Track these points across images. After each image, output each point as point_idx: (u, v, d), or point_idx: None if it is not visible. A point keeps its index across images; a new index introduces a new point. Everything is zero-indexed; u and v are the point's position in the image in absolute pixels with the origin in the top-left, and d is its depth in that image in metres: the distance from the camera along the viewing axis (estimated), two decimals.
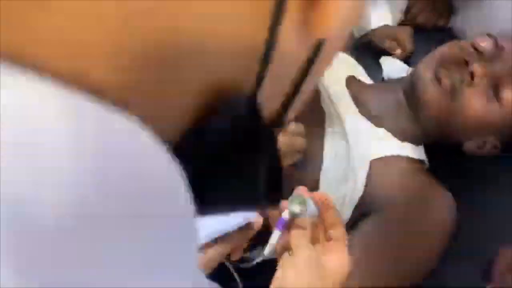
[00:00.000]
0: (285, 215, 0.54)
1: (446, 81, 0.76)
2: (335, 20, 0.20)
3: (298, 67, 0.22)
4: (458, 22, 1.16)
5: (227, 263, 0.70)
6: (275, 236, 0.56)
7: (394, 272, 0.71)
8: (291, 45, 0.21)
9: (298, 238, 0.52)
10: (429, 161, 0.84)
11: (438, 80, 0.77)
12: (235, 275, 0.71)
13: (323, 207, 0.55)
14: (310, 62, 0.22)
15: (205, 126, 0.20)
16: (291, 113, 0.24)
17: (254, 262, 0.66)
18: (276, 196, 0.26)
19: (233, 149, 0.22)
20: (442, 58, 0.79)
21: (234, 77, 0.20)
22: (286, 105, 0.24)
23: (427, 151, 0.84)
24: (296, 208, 0.55)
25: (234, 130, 0.21)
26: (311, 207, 0.55)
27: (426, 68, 0.80)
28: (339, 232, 0.53)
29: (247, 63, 0.20)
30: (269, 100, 0.23)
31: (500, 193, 0.82)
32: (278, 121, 0.24)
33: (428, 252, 0.73)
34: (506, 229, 0.77)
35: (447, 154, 0.86)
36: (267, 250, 0.57)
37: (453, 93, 0.77)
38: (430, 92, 0.77)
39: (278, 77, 0.22)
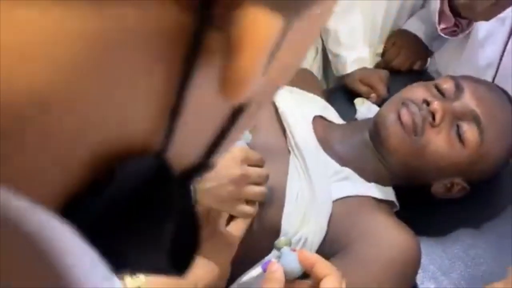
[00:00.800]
0: (272, 257, 0.57)
1: (407, 120, 0.76)
2: (251, 86, 0.18)
3: (220, 121, 0.21)
4: (433, 64, 1.18)
5: None
6: (255, 273, 0.57)
7: None
8: (206, 101, 0.19)
9: None
10: (401, 203, 0.83)
11: (400, 119, 0.77)
12: None
13: (307, 263, 0.54)
14: (233, 118, 0.20)
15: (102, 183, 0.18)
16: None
17: None
18: (187, 261, 0.23)
19: (133, 207, 0.20)
20: (405, 99, 0.79)
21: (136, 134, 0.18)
22: (207, 156, 0.22)
23: (398, 194, 0.83)
24: (284, 249, 0.57)
25: (136, 187, 0.19)
26: (294, 262, 0.55)
27: (389, 108, 0.80)
28: (334, 279, 0.52)
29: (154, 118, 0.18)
30: (184, 155, 0.21)
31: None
32: (197, 171, 0.22)
33: None
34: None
35: (417, 197, 0.85)
36: (242, 280, 0.59)
37: (415, 132, 0.77)
38: (392, 131, 0.77)
39: (194, 132, 0.20)
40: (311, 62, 1.14)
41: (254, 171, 0.66)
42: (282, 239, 0.61)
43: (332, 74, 1.19)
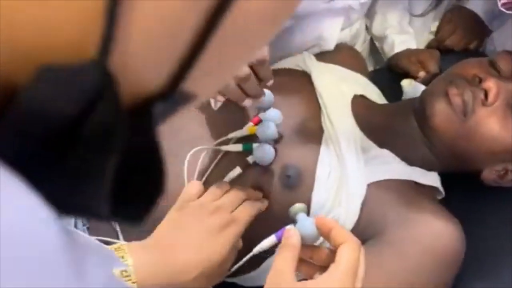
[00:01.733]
0: (289, 226, 0.54)
1: (456, 99, 0.69)
2: None
3: (189, 34, 0.17)
4: (491, 44, 1.09)
5: None
6: (269, 241, 0.56)
7: None
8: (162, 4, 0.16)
9: (284, 262, 0.49)
10: (448, 191, 0.76)
11: (448, 98, 0.70)
12: None
13: (324, 228, 0.52)
14: (207, 31, 0.17)
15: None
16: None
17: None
18: (142, 208, 0.20)
19: (65, 131, 0.16)
20: (455, 75, 0.72)
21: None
22: (175, 81, 0.19)
23: (444, 180, 0.76)
24: (300, 215, 0.56)
25: (65, 104, 0.16)
26: (310, 227, 0.53)
27: (437, 84, 0.74)
28: (352, 246, 0.49)
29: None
30: (139, 75, 0.18)
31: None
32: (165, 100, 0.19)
33: (428, 284, 0.65)
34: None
35: (465, 184, 0.78)
36: (256, 249, 0.57)
37: (465, 112, 0.69)
38: (439, 109, 0.70)
39: (147, 45, 0.17)
40: (360, 49, 1.08)
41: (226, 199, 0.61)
42: (297, 205, 0.58)
43: (380, 59, 1.13)
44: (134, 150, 0.19)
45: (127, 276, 0.50)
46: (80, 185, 0.18)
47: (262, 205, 0.65)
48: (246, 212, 0.60)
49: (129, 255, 0.51)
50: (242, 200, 0.62)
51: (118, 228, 0.69)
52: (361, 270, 0.49)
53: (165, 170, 0.21)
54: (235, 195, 0.62)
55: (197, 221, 0.57)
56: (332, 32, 0.95)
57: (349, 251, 0.49)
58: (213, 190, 0.62)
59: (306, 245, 0.53)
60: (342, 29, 0.97)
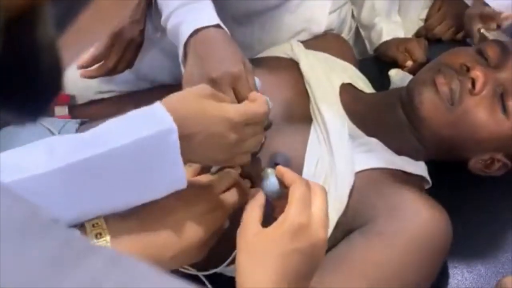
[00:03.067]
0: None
1: (444, 88, 0.69)
2: None
3: None
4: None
5: (197, 272, 0.67)
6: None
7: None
8: None
9: (249, 217, 0.54)
10: (435, 180, 0.76)
11: (436, 86, 0.70)
12: (206, 283, 0.68)
13: (282, 177, 0.57)
14: None
15: None
16: None
17: (220, 268, 0.66)
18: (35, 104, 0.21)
19: None
20: (443, 65, 0.72)
21: None
22: None
23: (432, 170, 0.77)
24: (267, 171, 0.60)
25: None
26: (273, 180, 0.58)
27: (424, 73, 0.73)
28: (299, 185, 0.53)
29: None
30: None
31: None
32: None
33: (420, 274, 0.65)
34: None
35: (452, 173, 0.78)
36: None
37: (452, 101, 0.69)
38: (426, 98, 0.70)
39: None
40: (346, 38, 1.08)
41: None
42: (268, 169, 0.61)
43: (364, 50, 1.12)
44: (18, 46, 0.19)
45: (98, 227, 0.50)
46: None
47: (251, 194, 0.65)
48: (233, 198, 0.60)
49: (106, 231, 0.51)
50: (231, 186, 0.61)
51: None
52: (319, 205, 0.53)
53: (60, 70, 0.21)
54: (226, 181, 0.61)
55: (184, 203, 0.56)
56: (321, 14, 0.94)
57: (295, 190, 0.53)
58: (205, 175, 0.62)
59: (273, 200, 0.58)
60: (330, 12, 0.96)
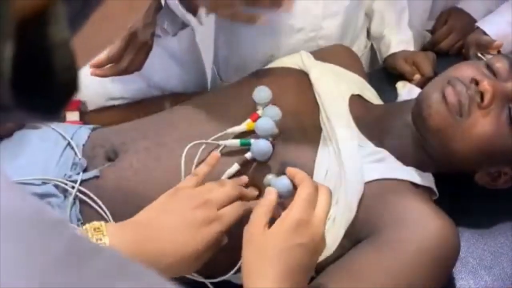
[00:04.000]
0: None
1: (452, 99, 0.70)
2: None
3: None
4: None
5: (203, 279, 0.67)
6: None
7: None
8: None
9: (257, 215, 0.55)
10: (441, 192, 0.77)
11: (444, 98, 0.71)
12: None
13: (293, 177, 0.59)
14: None
15: None
16: None
17: (228, 275, 0.66)
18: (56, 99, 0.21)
19: None
20: (451, 77, 0.73)
21: None
22: None
23: (439, 181, 0.77)
24: (273, 177, 0.63)
25: None
26: (285, 181, 0.60)
27: (433, 86, 0.74)
28: (307, 185, 0.56)
29: None
30: None
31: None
32: None
33: (427, 284, 0.65)
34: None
35: (458, 185, 0.78)
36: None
37: (461, 114, 0.70)
38: (435, 110, 0.71)
39: None
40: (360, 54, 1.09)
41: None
42: (268, 176, 0.65)
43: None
44: (35, 41, 0.19)
45: (99, 232, 0.52)
46: None
47: (254, 204, 0.65)
48: (233, 212, 0.60)
49: (106, 236, 0.52)
50: (233, 199, 0.62)
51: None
52: (322, 204, 0.56)
53: (75, 70, 0.21)
54: (227, 192, 0.62)
55: (182, 210, 0.57)
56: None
57: (302, 190, 0.56)
58: (208, 184, 0.62)
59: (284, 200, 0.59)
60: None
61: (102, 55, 0.79)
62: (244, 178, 0.67)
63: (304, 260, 0.53)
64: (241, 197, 0.64)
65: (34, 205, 0.21)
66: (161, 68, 0.96)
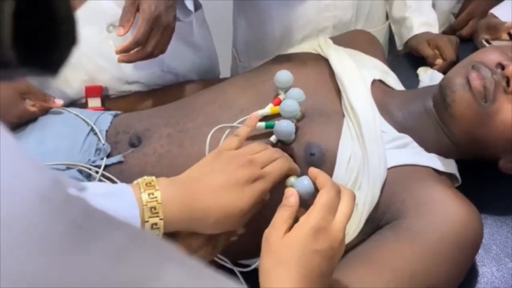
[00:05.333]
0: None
1: (477, 84, 0.69)
2: None
3: None
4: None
5: (233, 266, 0.67)
6: None
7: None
8: None
9: (278, 219, 0.54)
10: (464, 178, 0.76)
11: (469, 83, 0.69)
12: (240, 278, 0.68)
13: (315, 178, 0.58)
14: None
15: None
16: None
17: (251, 267, 0.64)
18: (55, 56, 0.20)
19: None
20: (476, 61, 0.72)
21: None
22: None
23: (461, 168, 0.76)
24: (295, 178, 0.60)
25: None
26: (306, 182, 0.58)
27: (457, 71, 0.73)
28: (328, 189, 0.55)
29: None
30: None
31: None
32: None
33: (449, 273, 0.65)
34: None
35: (481, 172, 0.78)
36: None
37: (485, 99, 0.69)
38: (459, 95, 0.70)
39: None
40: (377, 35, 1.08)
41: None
42: (291, 177, 0.62)
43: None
44: None
45: (155, 212, 0.52)
46: None
47: (296, 167, 0.64)
48: (277, 168, 0.60)
49: (158, 191, 0.53)
50: (276, 159, 0.62)
51: None
52: (344, 210, 0.55)
53: (74, 19, 0.21)
54: (270, 153, 0.61)
55: (227, 169, 0.57)
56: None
57: (323, 194, 0.55)
58: (252, 145, 0.62)
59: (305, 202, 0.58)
60: None
61: (128, 40, 0.79)
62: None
63: (322, 266, 0.52)
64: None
65: (49, 178, 0.20)
66: (174, 53, 0.96)
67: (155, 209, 0.52)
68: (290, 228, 0.54)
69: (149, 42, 0.79)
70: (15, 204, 0.18)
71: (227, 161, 0.58)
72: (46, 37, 0.20)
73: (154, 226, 0.51)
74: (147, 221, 0.51)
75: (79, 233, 0.20)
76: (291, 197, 0.56)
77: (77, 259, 0.20)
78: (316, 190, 0.57)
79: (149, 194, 0.52)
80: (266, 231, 0.54)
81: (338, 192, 0.56)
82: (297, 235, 0.52)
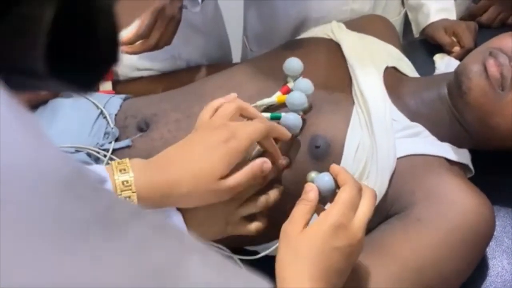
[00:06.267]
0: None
1: (494, 72, 0.67)
2: None
3: None
4: None
5: (232, 254, 0.67)
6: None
7: (419, 278, 0.62)
8: None
9: (297, 214, 0.54)
10: (477, 169, 0.74)
11: (485, 70, 0.67)
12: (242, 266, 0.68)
13: (336, 175, 0.57)
14: None
15: None
16: None
17: (259, 256, 0.63)
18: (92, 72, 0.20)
19: None
20: (493, 48, 0.70)
21: None
22: None
23: (475, 158, 0.75)
24: (316, 173, 0.60)
25: None
26: (327, 178, 0.58)
27: (474, 57, 0.71)
28: (350, 187, 0.54)
29: None
30: None
31: None
32: None
33: (458, 264, 0.64)
34: None
35: (495, 163, 0.76)
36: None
37: (502, 87, 0.67)
38: (475, 83, 0.68)
39: None
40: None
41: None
42: (312, 173, 0.61)
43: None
44: (76, 8, 0.18)
45: (128, 186, 0.52)
46: (16, 39, 0.17)
47: (283, 130, 0.63)
48: (251, 128, 0.57)
49: (131, 168, 0.53)
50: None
51: None
52: (364, 209, 0.54)
53: (117, 40, 0.20)
54: (251, 123, 0.59)
55: (200, 137, 0.56)
56: None
57: (345, 192, 0.54)
58: (224, 106, 0.60)
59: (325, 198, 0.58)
60: None
61: (131, 32, 0.78)
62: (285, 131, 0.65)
63: (340, 263, 0.52)
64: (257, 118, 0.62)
65: (74, 166, 0.20)
66: (185, 40, 0.96)
67: (127, 182, 0.52)
68: (307, 223, 0.54)
69: (153, 35, 0.79)
70: (39, 184, 0.18)
71: (201, 131, 0.57)
72: (83, 54, 0.19)
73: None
74: (120, 195, 0.51)
75: (104, 223, 0.20)
76: (310, 192, 0.56)
77: (101, 246, 0.19)
78: (337, 187, 0.57)
79: (121, 170, 0.52)
80: (284, 225, 0.54)
81: (359, 190, 0.55)
82: (317, 231, 0.52)
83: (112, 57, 0.20)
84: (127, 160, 0.54)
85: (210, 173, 0.53)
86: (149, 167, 0.54)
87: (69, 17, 0.18)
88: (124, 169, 0.52)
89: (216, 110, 0.61)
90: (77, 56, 0.19)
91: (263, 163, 0.57)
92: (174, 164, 0.54)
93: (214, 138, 0.55)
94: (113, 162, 0.54)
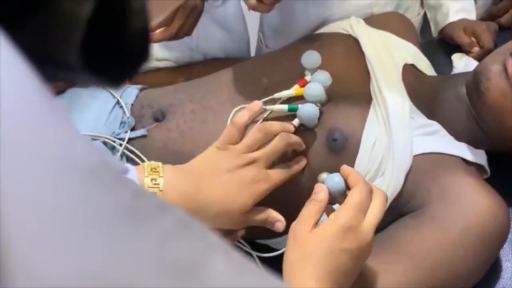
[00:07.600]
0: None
1: None
2: None
3: None
4: None
5: (252, 251, 0.67)
6: None
7: (431, 280, 0.62)
8: None
9: (306, 214, 0.54)
10: (493, 171, 0.73)
11: (506, 71, 0.67)
12: (258, 263, 0.68)
13: (346, 175, 0.57)
14: None
15: None
16: None
17: (277, 253, 0.63)
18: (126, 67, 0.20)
19: None
20: None
21: None
22: None
23: (491, 160, 0.74)
24: (327, 174, 0.60)
25: None
26: (337, 178, 0.57)
27: (494, 58, 0.70)
28: (361, 189, 0.54)
29: None
30: None
31: None
32: None
33: (471, 265, 0.63)
34: None
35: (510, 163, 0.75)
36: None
37: None
38: (495, 83, 0.67)
39: None
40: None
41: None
42: (323, 174, 0.62)
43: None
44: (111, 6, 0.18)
45: (156, 185, 0.53)
46: (53, 33, 0.17)
47: (299, 166, 0.66)
48: (281, 175, 0.62)
49: (162, 178, 0.54)
50: (281, 150, 0.63)
51: None
52: (375, 211, 0.54)
53: (148, 37, 0.21)
54: (275, 145, 0.62)
55: (231, 167, 0.59)
56: None
57: (355, 193, 0.54)
58: (253, 135, 0.62)
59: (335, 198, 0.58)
60: None
61: (152, 21, 0.79)
62: (291, 127, 0.66)
63: (348, 265, 0.52)
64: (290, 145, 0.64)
65: (101, 156, 0.20)
66: (205, 33, 0.96)
67: (155, 180, 0.53)
68: (316, 223, 0.54)
69: (173, 24, 0.79)
70: (65, 170, 0.18)
71: (231, 160, 0.59)
72: (116, 50, 0.20)
73: None
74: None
75: (130, 213, 0.20)
76: (320, 193, 0.56)
77: (124, 237, 0.19)
78: (347, 188, 0.57)
79: (152, 180, 0.53)
80: (293, 224, 0.54)
81: (370, 192, 0.55)
82: (326, 232, 0.52)
83: (143, 54, 0.21)
84: (159, 166, 0.55)
85: (239, 208, 0.57)
86: (181, 175, 0.56)
87: (104, 14, 0.19)
88: (155, 179, 0.54)
89: (240, 130, 0.63)
90: (109, 52, 0.20)
91: (277, 221, 0.61)
92: (206, 184, 0.57)
93: (247, 175, 0.58)
94: (145, 165, 0.55)
